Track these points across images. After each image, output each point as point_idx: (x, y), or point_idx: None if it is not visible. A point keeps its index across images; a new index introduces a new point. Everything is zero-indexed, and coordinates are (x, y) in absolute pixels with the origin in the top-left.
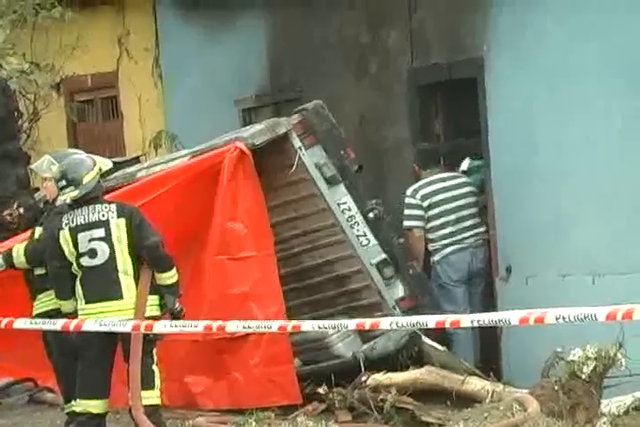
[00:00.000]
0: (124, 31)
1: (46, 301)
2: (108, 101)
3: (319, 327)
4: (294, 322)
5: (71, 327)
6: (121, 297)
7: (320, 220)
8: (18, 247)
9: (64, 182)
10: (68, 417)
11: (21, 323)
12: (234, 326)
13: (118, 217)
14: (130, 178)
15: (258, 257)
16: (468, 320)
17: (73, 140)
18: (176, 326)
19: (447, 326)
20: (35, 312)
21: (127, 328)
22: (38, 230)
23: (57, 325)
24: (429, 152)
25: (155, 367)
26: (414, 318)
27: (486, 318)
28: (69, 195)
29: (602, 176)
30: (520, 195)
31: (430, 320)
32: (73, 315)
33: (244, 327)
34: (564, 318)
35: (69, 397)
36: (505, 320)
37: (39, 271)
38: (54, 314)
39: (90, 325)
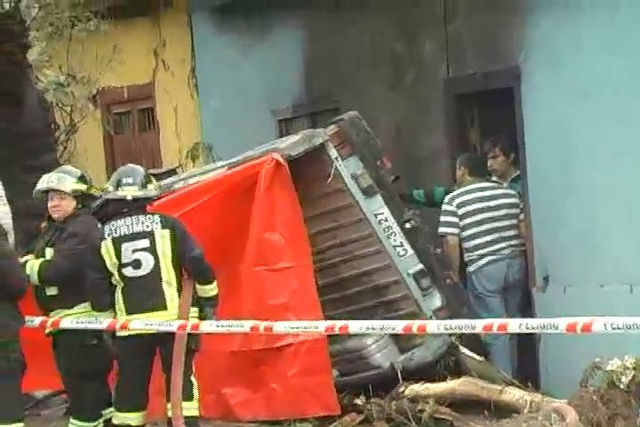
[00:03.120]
0: (160, 42)
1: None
2: (145, 113)
3: (367, 328)
4: (341, 323)
5: (117, 326)
6: (165, 308)
7: (357, 230)
8: (32, 264)
9: (130, 180)
10: None
11: (67, 322)
12: (281, 327)
13: (162, 228)
14: (167, 189)
15: (295, 268)
16: (516, 324)
17: (109, 152)
18: (222, 326)
19: (495, 329)
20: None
21: (173, 328)
22: (49, 251)
23: (103, 324)
24: (478, 159)
25: (193, 379)
26: (462, 322)
27: (534, 322)
28: (131, 192)
29: (637, 187)
30: (557, 205)
31: (478, 324)
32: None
33: (292, 328)
34: (612, 325)
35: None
36: (553, 325)
37: (52, 292)
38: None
39: (136, 324)
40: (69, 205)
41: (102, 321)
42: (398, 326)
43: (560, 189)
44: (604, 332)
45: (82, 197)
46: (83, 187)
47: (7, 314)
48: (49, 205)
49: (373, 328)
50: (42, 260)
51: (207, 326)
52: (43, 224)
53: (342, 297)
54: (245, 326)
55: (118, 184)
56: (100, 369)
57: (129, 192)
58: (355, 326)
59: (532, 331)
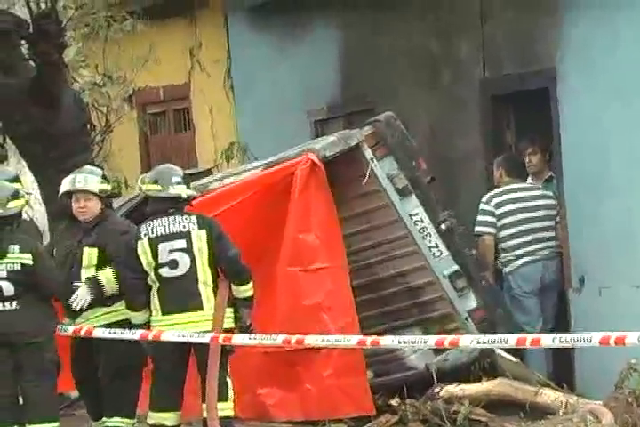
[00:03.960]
0: (196, 43)
1: (92, 318)
2: (180, 113)
3: (398, 343)
4: (373, 337)
5: (150, 337)
6: (201, 308)
7: (392, 231)
8: (104, 273)
9: (180, 179)
10: None
11: (100, 332)
12: (312, 340)
13: (199, 228)
14: (202, 189)
15: (330, 268)
16: (549, 338)
17: (145, 153)
18: (255, 339)
19: (528, 345)
20: (95, 323)
21: (206, 340)
22: (88, 250)
23: (135, 334)
24: (516, 160)
25: (228, 379)
26: (495, 336)
27: (568, 336)
28: (184, 191)
29: None
30: (593, 206)
31: (511, 338)
32: (144, 326)
33: (323, 341)
34: None
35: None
36: (586, 339)
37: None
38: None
39: (168, 335)
40: (96, 205)
41: (135, 332)
42: (430, 340)
43: (596, 190)
44: (637, 345)
45: (105, 197)
46: (107, 186)
47: (43, 314)
48: (74, 206)
49: (405, 342)
50: (110, 269)
51: (239, 340)
52: (61, 226)
53: (377, 298)
54: (278, 339)
55: (167, 183)
56: (138, 366)
57: (182, 191)
58: (386, 340)
59: (565, 345)
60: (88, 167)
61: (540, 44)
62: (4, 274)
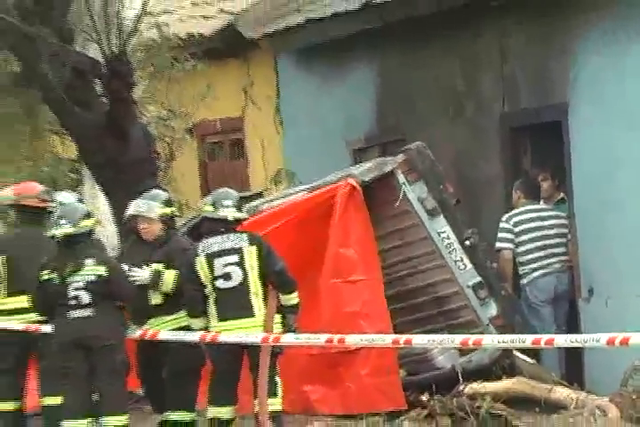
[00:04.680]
0: (249, 81)
1: (157, 324)
2: (235, 143)
3: (428, 341)
4: (406, 336)
5: (207, 339)
6: (252, 315)
7: (422, 247)
8: (170, 273)
9: (230, 202)
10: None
11: (165, 334)
12: (352, 339)
13: (250, 245)
14: (254, 210)
15: (367, 280)
16: (562, 339)
17: (204, 178)
18: (301, 339)
19: (542, 344)
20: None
21: (257, 340)
22: (155, 266)
23: (195, 336)
24: (532, 185)
25: (277, 378)
26: (513, 336)
27: (578, 337)
28: (232, 213)
29: None
30: (600, 225)
31: (528, 338)
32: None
33: (362, 340)
34: None
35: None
36: (595, 340)
37: (157, 301)
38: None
39: (224, 337)
40: (157, 228)
41: (194, 334)
42: (456, 339)
43: (603, 211)
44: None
45: (168, 220)
46: (168, 210)
47: (115, 320)
48: (139, 227)
49: (434, 341)
50: (176, 272)
51: (288, 339)
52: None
53: (408, 306)
54: (321, 338)
55: (219, 205)
56: (197, 366)
57: (229, 213)
58: (418, 339)
59: (575, 344)
60: (152, 193)
61: (554, 81)
62: (82, 285)
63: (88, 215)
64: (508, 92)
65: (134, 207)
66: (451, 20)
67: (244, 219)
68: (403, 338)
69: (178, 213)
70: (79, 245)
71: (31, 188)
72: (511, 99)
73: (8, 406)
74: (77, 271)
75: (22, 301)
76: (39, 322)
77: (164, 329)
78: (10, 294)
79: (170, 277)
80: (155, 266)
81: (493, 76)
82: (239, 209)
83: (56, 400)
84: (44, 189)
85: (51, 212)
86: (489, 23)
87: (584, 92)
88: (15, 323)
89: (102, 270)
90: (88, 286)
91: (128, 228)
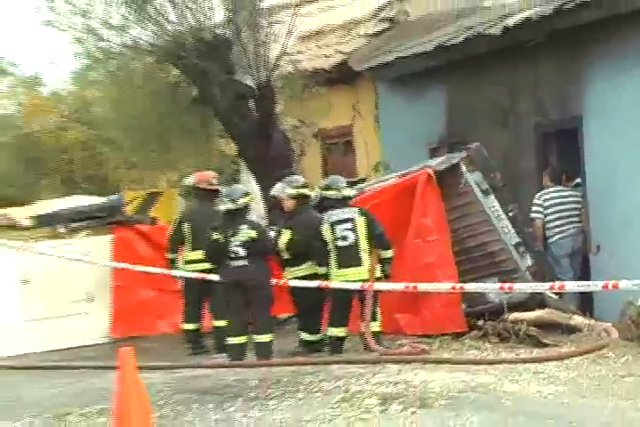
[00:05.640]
0: (356, 100)
1: (294, 271)
2: (346, 143)
3: (483, 289)
4: (460, 284)
5: (324, 284)
6: (361, 265)
7: (478, 217)
8: (285, 235)
9: (345, 184)
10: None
11: (295, 282)
12: (422, 286)
13: (359, 216)
14: (360, 191)
15: (439, 240)
16: (572, 285)
17: (324, 168)
18: (388, 286)
19: (556, 288)
20: (290, 276)
21: (357, 287)
22: (288, 231)
23: (314, 283)
24: (556, 174)
25: (378, 308)
26: (539, 284)
27: (583, 283)
28: (349, 192)
29: None
30: (605, 202)
31: (547, 285)
32: (325, 277)
33: (429, 287)
34: (631, 284)
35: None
36: (595, 285)
37: (285, 257)
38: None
39: (336, 284)
40: (289, 204)
41: (313, 283)
42: (505, 285)
43: (607, 193)
44: (628, 288)
45: (301, 198)
46: (295, 191)
47: (262, 267)
48: (280, 203)
49: (487, 288)
50: (290, 235)
51: (379, 286)
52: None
53: (468, 259)
54: (401, 286)
55: (335, 187)
56: (320, 301)
57: (349, 192)
58: (469, 286)
59: (580, 289)
60: (288, 179)
61: (572, 99)
62: (239, 243)
63: (245, 194)
64: (539, 108)
65: (275, 189)
66: (497, 56)
67: (354, 196)
68: (458, 285)
69: (307, 193)
70: (238, 215)
71: (205, 175)
72: (541, 113)
73: (192, 326)
74: (236, 234)
75: (199, 254)
76: (210, 269)
77: (296, 275)
78: (193, 249)
79: (284, 238)
80: (283, 230)
81: (528, 97)
82: (349, 189)
83: (223, 323)
84: (213, 177)
85: (218, 192)
86: (525, 58)
87: (593, 108)
88: (194, 270)
89: (253, 233)
90: (244, 244)
91: (272, 203)
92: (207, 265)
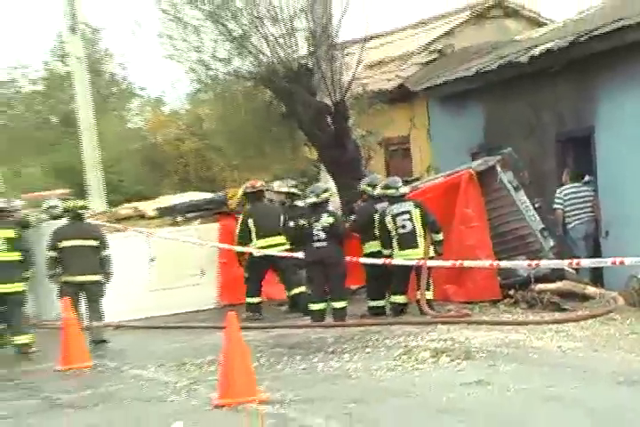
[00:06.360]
0: (412, 115)
1: (369, 248)
2: (405, 150)
3: (514, 265)
4: (497, 262)
5: (388, 261)
6: (418, 247)
7: (510, 208)
8: (343, 224)
9: (401, 184)
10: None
11: (363, 259)
12: (467, 263)
13: (415, 208)
14: (415, 188)
15: (479, 226)
16: (587, 262)
17: (387, 170)
18: (438, 263)
19: (574, 264)
20: (367, 251)
21: (419, 263)
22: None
23: (380, 261)
24: (575, 172)
25: (430, 280)
26: (558, 261)
27: (595, 260)
28: (405, 190)
29: None
30: (613, 197)
31: (565, 262)
32: (389, 257)
33: (475, 264)
34: (634, 261)
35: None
36: (605, 262)
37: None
38: (375, 254)
39: (400, 261)
40: (364, 196)
41: (380, 260)
42: (532, 262)
43: (615, 189)
44: (632, 264)
45: (363, 193)
46: (366, 187)
47: (338, 248)
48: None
49: (517, 265)
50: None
51: (431, 263)
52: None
53: (501, 242)
54: (449, 263)
55: (397, 187)
56: (380, 273)
57: (404, 190)
58: (502, 263)
59: (593, 265)
60: (370, 177)
61: (586, 112)
62: (320, 228)
63: (326, 190)
64: (559, 120)
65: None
66: (525, 79)
67: (409, 192)
68: (495, 263)
69: (369, 191)
70: (320, 206)
71: (249, 182)
72: (561, 124)
73: (255, 300)
74: (318, 221)
75: (268, 241)
76: (290, 249)
77: (368, 251)
78: (258, 238)
79: (343, 226)
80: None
81: (550, 112)
82: (404, 188)
83: (302, 289)
84: (254, 183)
85: (262, 193)
86: (547, 81)
87: (603, 120)
88: (259, 252)
89: (331, 220)
90: (324, 229)
91: (359, 196)
92: (283, 247)
